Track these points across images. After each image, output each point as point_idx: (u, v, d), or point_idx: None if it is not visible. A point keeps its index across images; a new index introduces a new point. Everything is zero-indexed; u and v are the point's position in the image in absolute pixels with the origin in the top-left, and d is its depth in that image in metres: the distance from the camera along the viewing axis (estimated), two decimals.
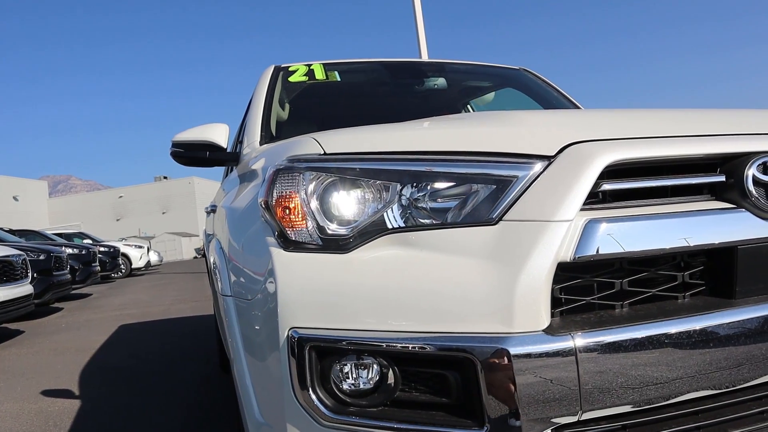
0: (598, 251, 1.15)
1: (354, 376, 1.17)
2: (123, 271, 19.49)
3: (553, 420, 1.08)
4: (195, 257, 45.12)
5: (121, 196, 60.26)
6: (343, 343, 1.16)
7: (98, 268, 13.79)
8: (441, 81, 3.23)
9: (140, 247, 21.80)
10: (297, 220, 1.29)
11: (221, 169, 4.48)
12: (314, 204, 1.29)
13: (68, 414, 3.90)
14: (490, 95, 3.42)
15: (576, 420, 1.11)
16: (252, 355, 1.38)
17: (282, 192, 1.32)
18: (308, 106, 2.93)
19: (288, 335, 1.19)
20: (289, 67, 3.02)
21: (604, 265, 1.23)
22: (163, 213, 58.80)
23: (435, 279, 1.16)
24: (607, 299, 1.23)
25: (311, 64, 3.05)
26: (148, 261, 22.57)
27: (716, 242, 1.25)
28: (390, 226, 1.24)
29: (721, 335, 1.20)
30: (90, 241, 16.78)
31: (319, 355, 1.18)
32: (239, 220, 1.71)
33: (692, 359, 1.17)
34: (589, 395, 1.09)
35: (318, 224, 1.27)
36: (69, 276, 10.40)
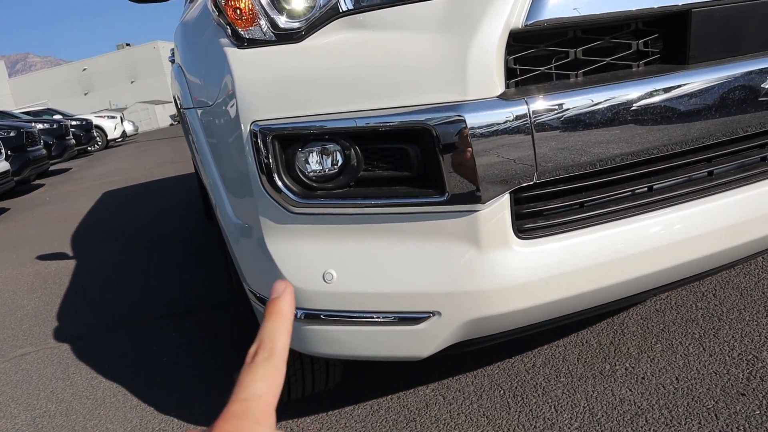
0: (548, 16, 1.14)
1: (318, 161, 1.20)
2: (99, 143, 19.21)
3: (510, 183, 1.13)
4: (171, 124, 44.37)
5: (84, 69, 57.95)
6: (304, 129, 1.18)
7: (73, 141, 13.57)
8: None
9: (113, 117, 21.32)
10: (248, 17, 1.28)
11: None
12: (263, 0, 1.26)
13: (65, 272, 4.03)
14: None
15: (532, 183, 1.16)
16: (220, 159, 1.41)
17: None
18: None
19: (250, 129, 1.21)
20: None
21: (557, 35, 1.22)
22: (132, 82, 56.94)
23: (388, 55, 1.16)
24: (561, 69, 1.24)
25: None
26: (124, 131, 22.20)
27: (671, 4, 1.24)
28: (342, 10, 1.22)
29: (672, 97, 1.23)
30: (61, 117, 16.35)
31: (282, 144, 1.20)
32: (192, 32, 1.66)
33: (644, 121, 1.21)
34: (544, 158, 1.14)
35: (270, 19, 1.25)
36: (44, 151, 10.26)
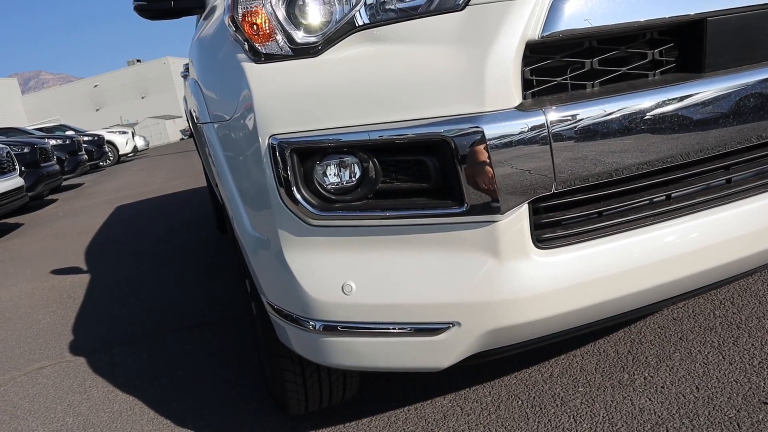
0: (564, 28, 1.15)
1: (336, 173, 1.21)
2: (111, 158, 19.37)
3: (528, 193, 1.14)
4: (181, 139, 44.67)
5: (96, 86, 58.50)
6: (322, 142, 1.19)
7: (85, 156, 13.70)
8: None
9: (124, 133, 21.52)
10: (265, 32, 1.29)
11: None
12: (281, 14, 1.28)
13: (80, 286, 4.06)
14: None
15: (551, 193, 1.16)
16: (238, 173, 1.42)
17: (247, 6, 1.30)
18: None
19: (268, 143, 1.22)
20: None
21: (573, 45, 1.23)
22: (143, 98, 57.41)
23: (405, 68, 1.17)
24: (578, 80, 1.25)
25: None
26: (135, 146, 22.38)
27: (687, 13, 1.25)
28: (358, 24, 1.24)
29: (687, 106, 1.23)
30: (73, 133, 16.50)
31: (300, 157, 1.21)
32: (208, 47, 1.68)
33: (660, 130, 1.21)
34: (563, 167, 1.14)
35: (287, 34, 1.27)
36: (57, 167, 10.36)
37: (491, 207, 1.12)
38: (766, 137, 1.34)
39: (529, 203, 1.16)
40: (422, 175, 1.17)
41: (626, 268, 1.22)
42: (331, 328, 1.27)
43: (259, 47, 1.30)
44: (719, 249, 1.33)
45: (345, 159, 1.20)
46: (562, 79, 1.23)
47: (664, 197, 1.30)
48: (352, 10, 1.25)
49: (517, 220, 1.15)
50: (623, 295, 1.24)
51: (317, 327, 1.29)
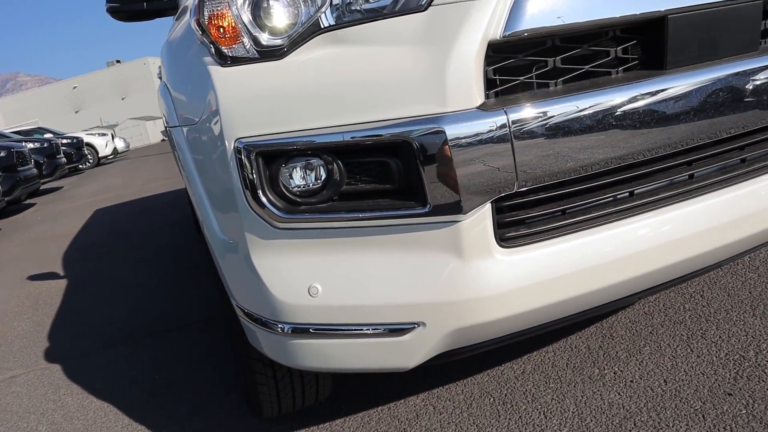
0: (525, 27, 1.16)
1: (301, 176, 1.21)
2: (91, 161, 19.16)
3: (491, 192, 1.14)
4: (162, 140, 44.27)
5: (75, 87, 57.85)
6: (287, 144, 1.19)
7: (64, 159, 13.52)
8: None
9: (104, 134, 21.29)
10: (231, 35, 1.29)
11: None
12: (246, 17, 1.28)
13: (56, 292, 4.02)
14: None
15: (514, 192, 1.17)
16: (205, 176, 1.42)
17: (213, 9, 1.30)
18: None
19: (234, 146, 1.22)
20: None
21: (536, 44, 1.24)
22: (123, 99, 56.87)
23: (369, 70, 1.17)
24: (541, 78, 1.26)
25: None
26: (115, 148, 22.16)
27: (646, 11, 1.26)
28: (323, 26, 1.24)
29: (649, 103, 1.24)
30: (51, 136, 16.30)
31: (265, 160, 1.21)
32: (177, 50, 1.68)
33: (622, 127, 1.22)
34: (525, 166, 1.15)
35: (253, 36, 1.27)
36: (35, 170, 10.22)
37: (454, 207, 1.13)
38: (726, 133, 1.36)
39: (492, 202, 1.17)
40: (386, 176, 1.18)
41: (590, 264, 1.24)
42: (299, 331, 1.27)
43: (225, 50, 1.30)
44: (683, 244, 1.34)
45: (310, 161, 1.20)
46: (526, 78, 1.24)
47: (628, 194, 1.32)
48: (317, 11, 1.25)
49: (480, 219, 1.16)
50: (587, 292, 1.26)
51: (285, 330, 1.29)
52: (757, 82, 1.37)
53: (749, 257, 2.27)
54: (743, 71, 1.34)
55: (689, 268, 1.41)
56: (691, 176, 1.39)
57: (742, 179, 1.44)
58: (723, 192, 1.40)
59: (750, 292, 2.02)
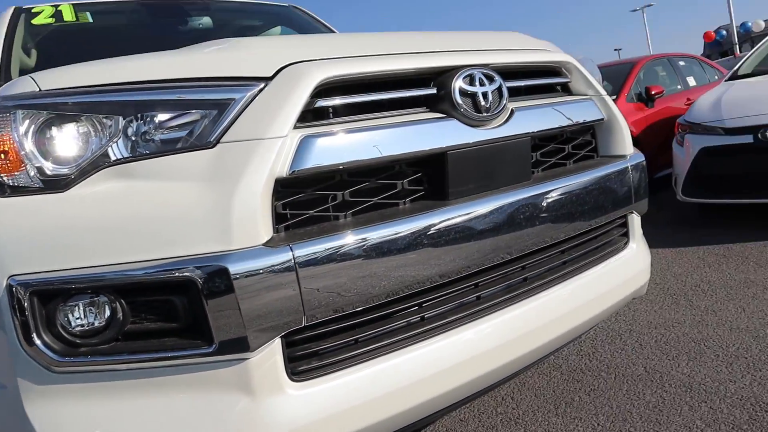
0: (312, 165, 1.22)
1: (81, 315, 1.15)
2: None
3: (279, 328, 1.15)
4: None
5: None
6: (65, 283, 1.12)
7: None
8: (206, 20, 3.11)
9: None
10: (12, 163, 1.23)
11: None
12: (29, 145, 1.23)
13: None
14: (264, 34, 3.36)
15: (303, 326, 1.18)
16: None
17: None
18: (57, 52, 2.68)
19: (6, 284, 1.14)
20: (32, 8, 2.75)
21: (324, 179, 1.30)
22: None
23: (156, 205, 1.16)
24: (331, 211, 1.31)
25: (59, 5, 2.81)
26: None
27: (427, 149, 1.38)
28: (113, 159, 1.21)
29: (434, 233, 1.34)
30: None
31: (41, 299, 1.13)
32: None
33: (410, 257, 1.30)
34: (312, 301, 1.17)
35: (36, 166, 1.22)
36: None
37: (240, 345, 1.12)
38: (507, 256, 1.49)
39: (281, 337, 1.17)
40: (172, 315, 1.14)
41: (384, 391, 1.26)
42: None
43: (6, 179, 1.22)
44: (476, 361, 1.42)
45: (93, 300, 1.14)
46: (315, 212, 1.29)
47: (419, 318, 1.38)
48: (108, 141, 1.23)
49: (270, 355, 1.15)
50: (385, 418, 1.28)
51: None
52: (531, 209, 1.53)
53: (555, 356, 2.44)
54: (517, 200, 1.49)
55: (484, 383, 1.48)
56: (479, 297, 1.49)
57: (527, 296, 1.57)
58: (509, 309, 1.51)
59: (554, 391, 2.17)
